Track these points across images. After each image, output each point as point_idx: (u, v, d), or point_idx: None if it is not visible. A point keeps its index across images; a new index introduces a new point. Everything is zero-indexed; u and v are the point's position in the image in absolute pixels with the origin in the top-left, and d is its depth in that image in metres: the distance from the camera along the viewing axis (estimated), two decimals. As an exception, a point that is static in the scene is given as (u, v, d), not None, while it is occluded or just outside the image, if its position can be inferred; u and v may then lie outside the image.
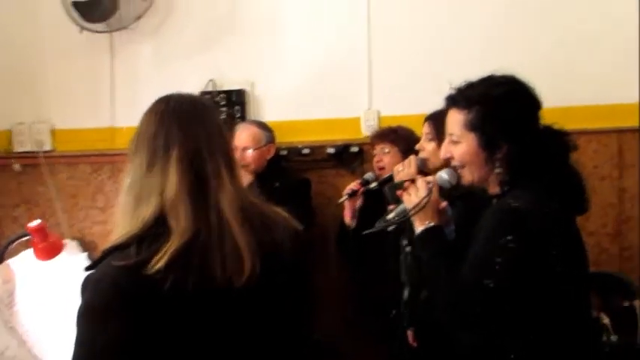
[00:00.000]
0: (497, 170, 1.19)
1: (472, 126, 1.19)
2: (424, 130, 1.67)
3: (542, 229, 1.11)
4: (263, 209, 0.96)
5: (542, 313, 1.14)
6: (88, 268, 0.88)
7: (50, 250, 1.90)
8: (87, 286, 0.86)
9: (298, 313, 1.00)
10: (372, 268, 1.98)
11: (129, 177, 0.92)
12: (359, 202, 1.99)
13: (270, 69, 2.39)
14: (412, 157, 1.66)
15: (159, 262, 0.82)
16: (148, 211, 0.87)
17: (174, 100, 0.96)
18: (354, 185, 1.98)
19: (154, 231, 0.86)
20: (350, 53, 2.33)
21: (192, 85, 2.23)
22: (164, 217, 0.86)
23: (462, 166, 1.22)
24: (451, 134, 1.23)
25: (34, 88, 2.51)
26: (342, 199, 1.97)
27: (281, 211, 0.98)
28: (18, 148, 2.49)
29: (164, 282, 0.82)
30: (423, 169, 1.62)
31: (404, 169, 1.64)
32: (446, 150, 1.25)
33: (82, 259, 2.17)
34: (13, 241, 1.91)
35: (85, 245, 2.35)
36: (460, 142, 1.21)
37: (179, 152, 0.89)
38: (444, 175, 1.27)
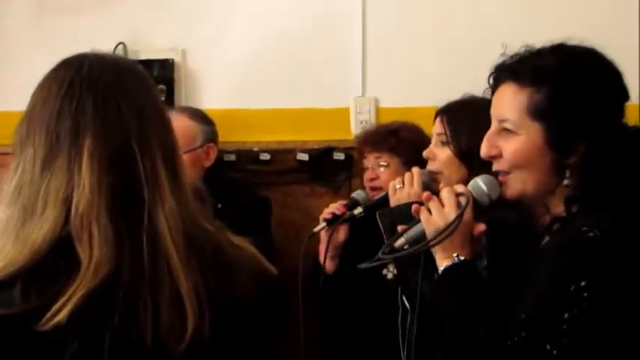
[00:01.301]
0: (567, 182, 1.03)
1: (540, 112, 1.02)
2: (435, 130, 1.48)
3: (630, 273, 0.96)
4: (219, 239, 0.84)
5: None
6: None
7: None
8: None
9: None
10: (357, 329, 1.82)
11: (13, 179, 0.79)
12: (342, 234, 1.79)
13: (213, 31, 2.12)
14: (415, 171, 1.50)
15: (59, 313, 0.72)
16: (42, 230, 0.76)
17: (89, 62, 0.83)
18: (336, 207, 1.76)
19: (52, 262, 0.75)
20: (337, 18, 2.08)
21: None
22: (67, 242, 0.75)
23: (509, 171, 1.05)
24: (503, 120, 1.05)
25: None
26: (317, 228, 1.76)
27: (246, 244, 0.87)
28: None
29: (65, 345, 0.74)
30: (431, 188, 1.42)
31: (403, 188, 1.49)
32: (491, 143, 1.06)
33: None
34: None
35: None
36: (517, 134, 1.03)
37: (94, 143, 0.77)
38: (481, 184, 1.08)
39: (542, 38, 1.92)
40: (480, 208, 1.10)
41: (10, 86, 2.11)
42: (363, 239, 1.71)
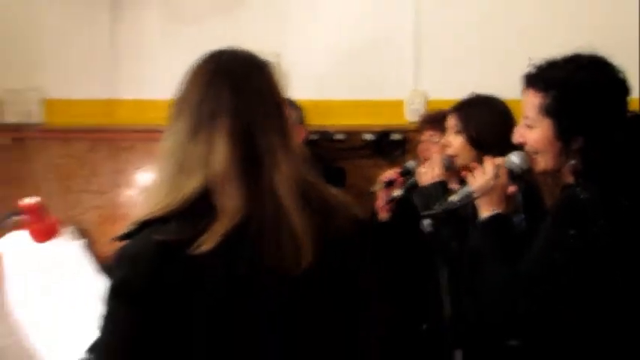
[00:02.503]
0: (572, 162, 1.23)
1: (548, 112, 1.23)
2: (449, 123, 1.69)
3: (606, 230, 1.13)
4: (323, 191, 0.95)
5: (594, 326, 1.16)
6: (122, 238, 0.88)
7: (45, 231, 1.89)
8: (122, 261, 0.87)
9: (361, 307, 0.98)
10: (403, 271, 1.97)
11: (169, 141, 0.91)
12: (396, 193, 1.96)
13: (300, 39, 2.38)
14: (436, 156, 1.70)
15: (205, 243, 0.83)
16: (191, 184, 0.87)
17: (226, 57, 0.95)
18: (392, 174, 1.96)
19: (198, 208, 0.86)
20: (395, 24, 2.33)
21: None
22: (209, 194, 0.86)
23: (535, 153, 1.26)
24: (526, 117, 1.27)
25: (25, 51, 2.49)
26: (375, 187, 1.95)
27: (341, 195, 0.96)
28: (4, 120, 2.46)
29: (211, 265, 0.83)
30: (451, 169, 1.65)
31: (428, 172, 1.67)
32: (519, 134, 1.29)
33: (78, 247, 2.15)
34: (5, 218, 1.91)
35: (77, 233, 2.31)
36: (534, 128, 1.25)
37: (229, 122, 0.89)
38: (514, 158, 1.31)
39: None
40: (514, 175, 1.31)
41: (143, 78, 2.44)
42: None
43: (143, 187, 2.41)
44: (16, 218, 1.97)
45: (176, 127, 0.91)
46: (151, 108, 2.33)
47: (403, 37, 2.33)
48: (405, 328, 1.93)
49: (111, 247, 2.12)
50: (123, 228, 0.88)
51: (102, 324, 0.88)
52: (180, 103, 0.92)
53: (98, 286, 2.04)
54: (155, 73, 2.38)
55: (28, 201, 1.93)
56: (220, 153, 0.87)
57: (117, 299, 0.86)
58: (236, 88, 0.91)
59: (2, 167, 2.47)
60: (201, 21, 2.39)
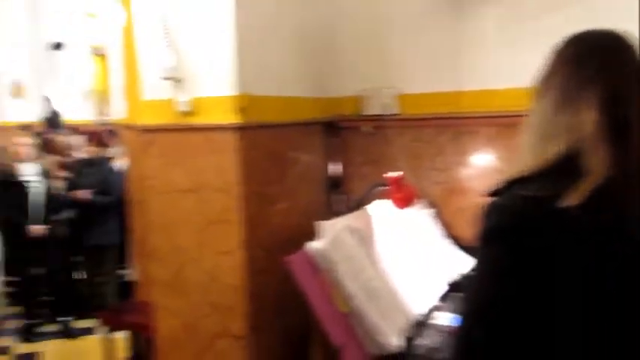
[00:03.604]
0: None
1: None
2: None
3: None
4: None
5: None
6: (491, 195, 1.04)
7: (405, 199, 2.41)
8: (493, 211, 1.01)
9: None
10: None
11: (535, 117, 1.03)
12: None
13: None
14: None
15: (571, 197, 0.90)
16: (553, 149, 0.96)
17: (593, 37, 1.03)
18: None
19: (561, 169, 0.94)
20: None
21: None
22: (573, 157, 0.95)
23: None
24: None
25: (381, 55, 3.04)
26: None
27: None
28: (367, 112, 3.09)
29: (576, 218, 0.91)
30: None
31: None
32: None
33: (428, 215, 2.64)
34: (373, 188, 2.47)
35: (427, 204, 2.79)
36: None
37: (597, 93, 0.96)
38: None
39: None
40: None
41: (483, 71, 2.67)
42: None
43: (481, 167, 2.76)
44: (380, 189, 2.54)
45: (541, 105, 1.00)
46: (492, 97, 2.62)
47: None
48: None
49: (453, 217, 2.51)
50: (491, 187, 1.03)
51: (477, 266, 1.01)
52: (546, 83, 1.02)
53: (443, 247, 2.49)
54: (495, 66, 2.65)
55: (392, 174, 2.48)
56: (588, 119, 0.94)
57: (488, 243, 0.99)
58: (604, 63, 0.98)
59: (367, 149, 3.11)
60: (535, 16, 2.55)
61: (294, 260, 2.08)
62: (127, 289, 4.54)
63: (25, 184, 4.94)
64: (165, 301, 2.85)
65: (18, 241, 4.92)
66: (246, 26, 2.56)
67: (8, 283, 5.38)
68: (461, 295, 2.17)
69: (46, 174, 5.04)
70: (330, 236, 2.13)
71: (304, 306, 2.12)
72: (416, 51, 2.93)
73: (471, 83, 2.73)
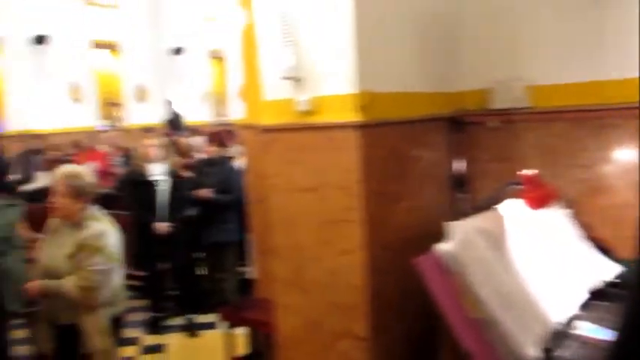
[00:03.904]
0: None
1: None
2: None
3: None
4: None
5: None
6: None
7: (541, 199, 2.28)
8: None
9: None
10: None
11: None
12: None
13: None
14: None
15: None
16: None
17: None
18: None
19: None
20: None
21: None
22: None
23: None
24: None
25: (510, 44, 2.91)
26: None
27: None
28: (494, 106, 2.98)
29: None
30: None
31: None
32: None
33: (564, 216, 2.48)
34: (505, 187, 2.37)
35: (564, 203, 2.62)
36: None
37: None
38: None
39: None
40: None
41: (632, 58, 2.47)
42: None
43: (625, 163, 2.57)
44: (513, 188, 2.43)
45: None
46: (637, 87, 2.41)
47: None
48: None
49: (594, 218, 2.36)
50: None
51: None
52: None
53: (583, 251, 2.33)
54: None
55: (527, 172, 2.37)
56: None
57: None
58: None
59: (494, 146, 3.00)
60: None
61: (422, 262, 2.04)
62: (246, 285, 4.69)
63: (154, 184, 5.25)
64: (286, 298, 2.91)
65: (146, 237, 5.24)
66: (365, 20, 2.55)
67: (137, 278, 5.76)
68: (604, 304, 2.03)
69: (172, 174, 5.32)
70: (459, 237, 2.07)
71: (428, 308, 2.09)
72: (549, 39, 2.79)
73: (613, 72, 2.57)
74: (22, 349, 3.55)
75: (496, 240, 2.17)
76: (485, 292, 1.98)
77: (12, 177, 7.12)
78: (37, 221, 3.45)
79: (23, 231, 4.17)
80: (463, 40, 3.06)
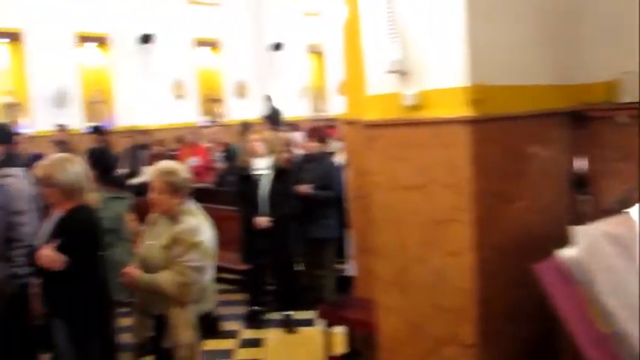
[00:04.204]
0: None
1: None
2: None
3: None
4: None
5: None
6: None
7: None
8: None
9: None
10: None
11: None
12: None
13: None
14: None
15: None
16: None
17: None
18: None
19: None
20: None
21: None
22: None
23: None
24: None
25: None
26: None
27: None
28: (624, 99, 2.75)
29: None
30: None
31: None
32: None
33: None
34: (636, 189, 2.18)
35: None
36: None
37: None
38: None
39: None
40: None
41: None
42: None
43: None
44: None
45: None
46: None
47: None
48: None
49: None
50: None
51: None
52: None
53: None
54: None
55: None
56: None
57: None
58: None
59: (623, 143, 2.77)
60: None
61: (543, 268, 1.91)
62: (345, 283, 4.67)
63: (257, 179, 5.33)
64: (387, 299, 2.87)
65: (249, 231, 5.34)
66: (478, 6, 2.44)
67: (237, 271, 5.89)
68: None
69: (275, 169, 5.38)
70: (585, 243, 1.92)
71: (544, 311, 1.97)
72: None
73: None
74: (127, 337, 3.72)
75: (627, 247, 2.00)
76: (613, 303, 1.83)
77: (120, 171, 7.51)
78: (143, 214, 3.59)
79: (130, 223, 4.35)
80: (587, 27, 2.86)
